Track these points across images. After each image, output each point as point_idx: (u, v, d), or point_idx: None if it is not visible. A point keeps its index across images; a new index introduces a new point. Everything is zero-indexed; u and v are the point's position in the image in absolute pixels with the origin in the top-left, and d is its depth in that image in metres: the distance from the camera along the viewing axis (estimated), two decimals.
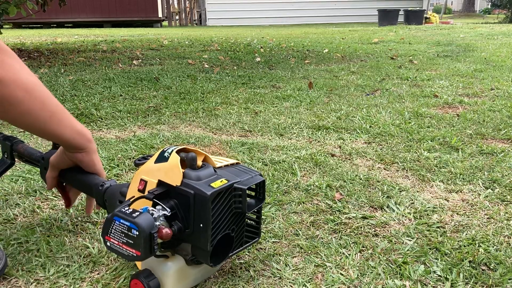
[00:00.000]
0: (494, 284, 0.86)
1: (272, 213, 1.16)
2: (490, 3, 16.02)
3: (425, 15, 11.04)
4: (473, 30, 7.74)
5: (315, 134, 1.86)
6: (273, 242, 1.02)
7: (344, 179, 1.37)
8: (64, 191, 1.04)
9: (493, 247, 0.98)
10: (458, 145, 1.67)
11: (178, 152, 0.81)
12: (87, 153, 0.91)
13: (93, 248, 0.99)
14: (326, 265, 0.93)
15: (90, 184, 0.94)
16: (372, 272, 0.90)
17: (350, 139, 1.78)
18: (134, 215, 0.72)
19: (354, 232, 1.06)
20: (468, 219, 1.12)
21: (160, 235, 0.73)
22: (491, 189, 1.30)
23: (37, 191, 1.29)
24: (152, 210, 0.75)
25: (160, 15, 12.67)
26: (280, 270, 0.91)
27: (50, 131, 0.81)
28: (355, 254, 0.97)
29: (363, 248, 0.99)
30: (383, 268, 0.92)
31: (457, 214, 1.15)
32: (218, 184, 0.77)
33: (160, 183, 0.80)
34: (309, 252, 0.98)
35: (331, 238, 1.04)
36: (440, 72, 3.47)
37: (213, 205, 0.76)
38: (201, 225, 0.76)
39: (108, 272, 0.91)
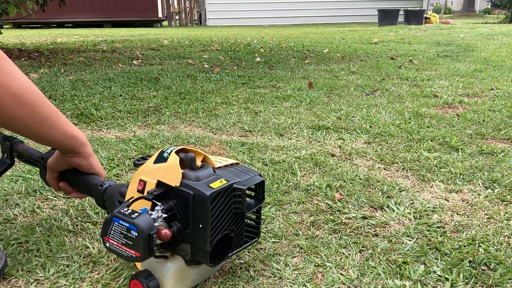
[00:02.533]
0: (494, 284, 0.86)
1: (272, 213, 1.16)
2: (490, 3, 16.02)
3: (425, 15, 11.04)
4: (473, 30, 7.74)
5: (315, 134, 1.86)
6: (273, 242, 1.02)
7: (344, 179, 1.37)
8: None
9: (493, 247, 0.98)
10: (458, 145, 1.67)
11: (177, 152, 0.81)
12: (83, 157, 0.90)
13: (93, 248, 0.99)
14: (326, 265, 0.93)
15: (89, 185, 0.94)
16: (372, 272, 0.90)
17: (350, 139, 1.78)
18: (133, 216, 0.72)
19: (354, 232, 1.06)
20: (468, 219, 1.12)
21: (159, 236, 0.73)
22: (491, 189, 1.30)
23: (37, 191, 1.29)
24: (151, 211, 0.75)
25: (160, 15, 12.67)
26: (280, 270, 0.91)
27: (41, 136, 0.80)
28: (355, 254, 0.97)
29: (363, 248, 0.99)
30: (383, 268, 0.92)
31: (457, 214, 1.15)
32: (217, 184, 0.77)
33: (159, 184, 0.79)
34: (309, 252, 0.98)
35: (331, 238, 1.04)
36: (440, 72, 3.47)
37: (213, 206, 0.76)
38: (201, 225, 0.76)
39: (108, 272, 0.91)
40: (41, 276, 0.90)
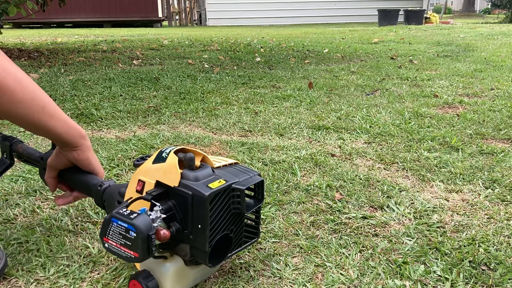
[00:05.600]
0: (494, 284, 0.86)
1: (272, 213, 1.16)
2: (490, 3, 16.02)
3: (425, 15, 11.04)
4: (473, 30, 7.74)
5: (315, 134, 1.86)
6: (273, 242, 1.02)
7: (344, 179, 1.37)
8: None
9: (493, 247, 0.98)
10: (458, 145, 1.67)
11: (176, 152, 0.81)
12: (82, 151, 0.90)
13: (93, 248, 0.99)
14: (326, 265, 0.93)
15: (88, 184, 0.94)
16: (372, 272, 0.90)
17: (350, 139, 1.78)
18: (131, 216, 0.72)
19: (354, 232, 1.06)
20: (468, 219, 1.12)
21: (158, 236, 0.72)
22: (491, 189, 1.29)
23: (37, 191, 1.29)
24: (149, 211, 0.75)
25: (160, 15, 12.67)
26: (280, 270, 0.91)
27: (42, 124, 0.79)
28: (355, 254, 0.97)
29: (363, 248, 0.99)
30: (383, 268, 0.92)
31: (457, 214, 1.15)
32: (216, 184, 0.76)
33: (158, 184, 0.79)
34: (309, 252, 0.98)
35: (331, 238, 1.04)
36: (440, 72, 3.47)
37: (211, 206, 0.75)
38: (199, 226, 0.76)
39: (108, 272, 0.91)
40: (41, 276, 0.90)
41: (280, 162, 1.51)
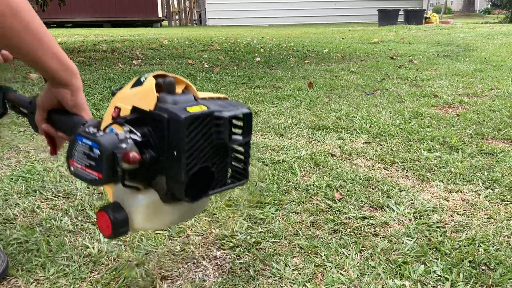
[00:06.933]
0: (494, 284, 0.86)
1: (272, 213, 1.16)
2: (490, 3, 16.03)
3: (425, 15, 11.04)
4: (473, 30, 7.75)
5: (315, 134, 1.86)
6: (273, 242, 1.02)
7: (344, 179, 1.37)
8: (51, 137, 0.99)
9: (493, 247, 0.98)
10: (458, 145, 1.67)
11: (156, 77, 0.73)
12: (72, 91, 0.88)
13: (93, 248, 0.99)
14: (326, 265, 0.93)
15: (73, 123, 0.90)
16: (372, 272, 0.90)
17: (350, 139, 1.78)
18: (97, 134, 0.66)
19: (354, 232, 1.06)
20: (468, 219, 1.12)
21: (126, 158, 0.66)
22: (491, 189, 1.30)
23: (37, 191, 1.29)
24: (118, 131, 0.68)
25: (160, 15, 12.68)
26: (280, 270, 0.91)
27: (34, 56, 0.77)
28: (355, 254, 0.97)
29: (363, 248, 0.99)
30: (383, 268, 0.92)
31: (457, 214, 1.15)
32: (196, 109, 0.69)
33: (135, 110, 0.72)
34: (309, 252, 0.98)
35: (331, 238, 1.04)
36: (440, 72, 3.47)
37: (189, 131, 0.68)
38: (175, 152, 0.69)
39: (108, 272, 0.91)
40: (41, 276, 0.90)
41: (280, 162, 1.51)
